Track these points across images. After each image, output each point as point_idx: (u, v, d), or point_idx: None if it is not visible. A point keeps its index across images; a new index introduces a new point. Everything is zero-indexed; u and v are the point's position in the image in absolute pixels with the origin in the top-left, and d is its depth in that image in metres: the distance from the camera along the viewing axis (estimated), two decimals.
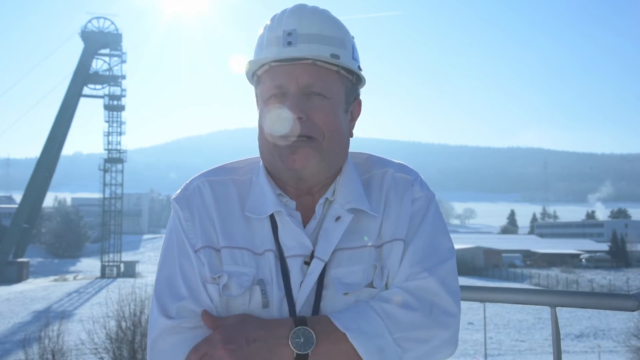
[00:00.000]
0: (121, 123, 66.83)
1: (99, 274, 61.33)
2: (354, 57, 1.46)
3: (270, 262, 1.39)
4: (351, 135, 1.49)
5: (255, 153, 1.52)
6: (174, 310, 1.35)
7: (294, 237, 1.40)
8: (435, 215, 1.49)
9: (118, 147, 66.54)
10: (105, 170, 66.08)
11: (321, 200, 1.45)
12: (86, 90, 66.94)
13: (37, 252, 78.30)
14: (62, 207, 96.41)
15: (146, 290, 23.29)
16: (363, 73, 1.49)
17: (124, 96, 67.54)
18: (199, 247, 1.41)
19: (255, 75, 1.47)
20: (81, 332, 25.80)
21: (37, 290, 48.98)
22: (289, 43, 1.38)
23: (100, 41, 66.03)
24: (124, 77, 67.72)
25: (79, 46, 66.58)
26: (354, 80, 1.47)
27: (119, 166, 66.68)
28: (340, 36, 1.43)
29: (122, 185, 67.17)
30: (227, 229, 1.43)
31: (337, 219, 1.42)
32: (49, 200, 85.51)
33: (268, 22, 1.46)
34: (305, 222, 1.45)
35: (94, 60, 66.99)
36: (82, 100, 67.51)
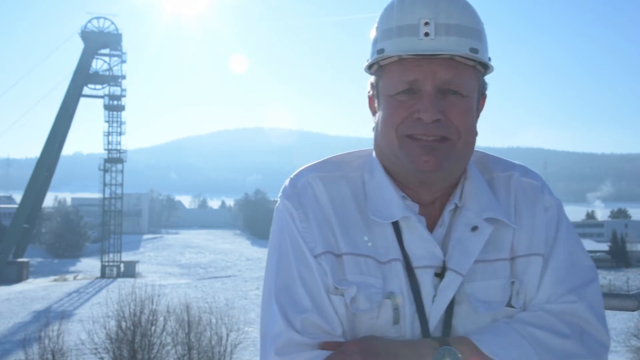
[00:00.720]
0: (121, 123, 66.81)
1: (99, 274, 61.31)
2: (486, 49, 1.31)
3: (398, 272, 1.26)
4: (476, 133, 1.34)
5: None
6: (298, 323, 1.21)
7: (423, 246, 1.27)
8: (569, 226, 1.36)
9: (118, 147, 66.53)
10: (105, 170, 66.06)
11: (450, 206, 1.32)
12: (86, 90, 66.94)
13: (37, 252, 78.27)
14: (62, 207, 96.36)
15: (146, 290, 23.27)
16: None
17: (124, 96, 67.53)
18: (318, 253, 1.26)
19: (377, 64, 1.31)
20: (81, 332, 25.79)
21: (37, 290, 48.98)
22: (426, 34, 1.22)
23: (100, 41, 65.96)
24: (124, 77, 67.69)
25: (79, 46, 66.55)
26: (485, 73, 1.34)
27: (119, 166, 66.67)
28: (478, 27, 1.28)
29: (122, 185, 67.13)
30: (348, 233, 1.28)
31: (474, 228, 1.29)
32: (49, 200, 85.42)
33: (395, 4, 1.29)
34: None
35: (94, 60, 66.94)
36: (82, 100, 67.54)
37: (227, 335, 23.38)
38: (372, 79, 1.35)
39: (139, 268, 63.84)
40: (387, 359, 1.15)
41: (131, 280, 47.37)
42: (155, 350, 21.95)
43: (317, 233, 1.28)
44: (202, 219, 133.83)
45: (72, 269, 68.78)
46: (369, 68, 1.34)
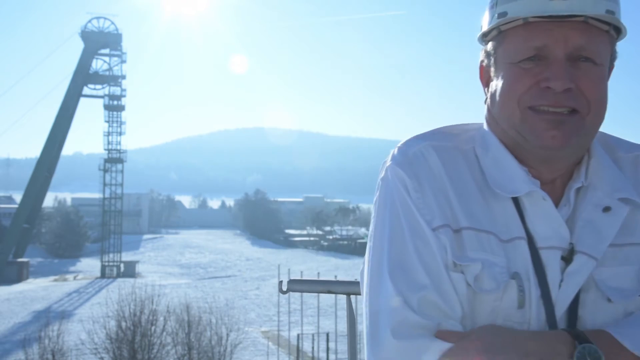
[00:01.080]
0: (121, 123, 66.91)
1: (99, 274, 61.34)
2: (620, 11, 1.19)
3: (522, 252, 1.15)
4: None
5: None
6: (415, 302, 1.10)
7: (549, 225, 1.16)
8: None
9: (118, 147, 66.63)
10: (105, 170, 66.15)
11: (575, 185, 1.20)
12: (86, 90, 67.01)
13: (37, 252, 78.29)
14: (62, 207, 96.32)
15: (146, 290, 23.29)
16: None
17: (124, 96, 67.62)
18: (436, 226, 1.15)
19: (497, 30, 1.19)
20: (81, 332, 25.82)
21: (37, 290, 49.00)
22: None
23: (100, 41, 66.04)
24: (124, 77, 67.78)
25: (79, 46, 66.63)
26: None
27: (119, 166, 66.76)
28: None
29: (122, 185, 67.22)
30: (468, 207, 1.17)
31: (606, 209, 1.18)
32: (49, 200, 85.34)
33: None
34: None
35: (94, 60, 67.03)
36: (82, 100, 67.59)
37: (227, 335, 23.41)
38: (488, 46, 1.24)
39: (139, 268, 63.88)
40: (516, 357, 1.01)
41: (131, 280, 47.40)
42: (155, 350, 21.97)
43: (434, 205, 1.16)
44: (202, 219, 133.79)
45: (72, 269, 68.77)
46: (484, 36, 1.24)
